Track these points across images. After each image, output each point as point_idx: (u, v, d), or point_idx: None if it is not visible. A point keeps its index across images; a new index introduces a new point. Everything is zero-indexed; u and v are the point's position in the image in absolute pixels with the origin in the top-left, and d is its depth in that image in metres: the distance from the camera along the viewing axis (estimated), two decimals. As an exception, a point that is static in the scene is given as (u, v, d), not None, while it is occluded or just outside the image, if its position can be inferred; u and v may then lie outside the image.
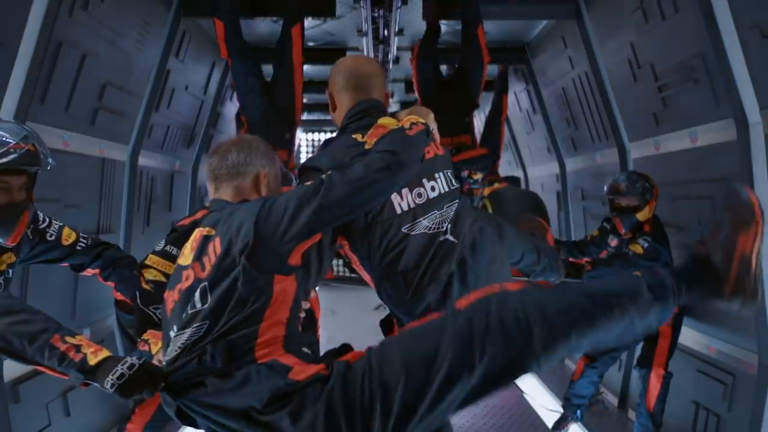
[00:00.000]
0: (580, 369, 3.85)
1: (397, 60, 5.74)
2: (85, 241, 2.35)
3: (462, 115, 4.55)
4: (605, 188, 3.76)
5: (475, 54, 4.41)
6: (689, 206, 3.59)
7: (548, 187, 6.21)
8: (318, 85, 6.28)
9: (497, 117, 5.80)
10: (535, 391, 4.68)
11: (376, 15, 4.64)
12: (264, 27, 4.96)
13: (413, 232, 1.83)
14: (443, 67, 5.02)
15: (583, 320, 1.38)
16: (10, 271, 2.11)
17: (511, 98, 6.31)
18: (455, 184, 1.98)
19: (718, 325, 3.39)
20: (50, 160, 2.00)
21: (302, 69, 4.16)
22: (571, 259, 3.34)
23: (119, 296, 2.44)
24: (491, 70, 5.56)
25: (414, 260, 1.82)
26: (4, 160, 1.87)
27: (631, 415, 4.20)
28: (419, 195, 1.87)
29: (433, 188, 1.89)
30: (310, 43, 5.49)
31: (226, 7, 4.02)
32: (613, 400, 4.53)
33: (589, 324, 1.38)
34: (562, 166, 5.75)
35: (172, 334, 1.56)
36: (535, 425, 4.10)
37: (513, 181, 6.34)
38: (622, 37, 3.95)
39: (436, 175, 1.92)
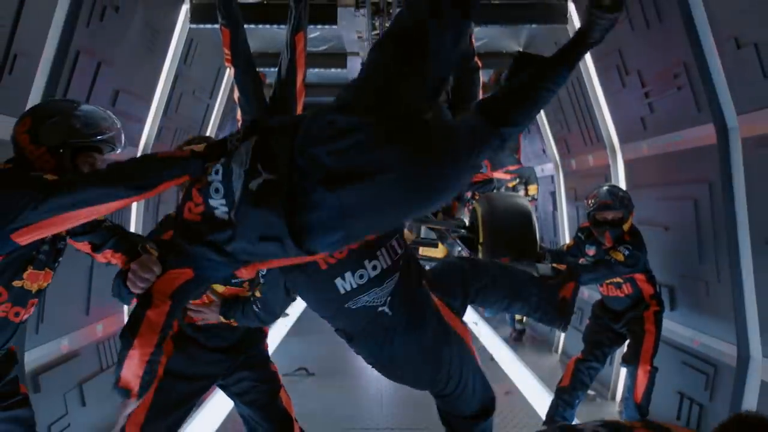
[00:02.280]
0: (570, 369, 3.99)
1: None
2: (111, 222, 2.45)
3: None
4: (589, 203, 3.82)
5: (467, 59, 4.61)
6: (674, 206, 3.77)
7: (544, 187, 6.38)
8: (317, 88, 6.48)
9: None
10: (531, 389, 4.87)
11: (375, 22, 4.81)
12: (267, 33, 5.13)
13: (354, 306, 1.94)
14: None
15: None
16: (63, 243, 2.29)
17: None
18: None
19: (701, 318, 3.56)
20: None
21: (304, 75, 4.31)
22: (554, 265, 3.49)
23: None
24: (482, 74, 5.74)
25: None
26: (110, 134, 2.09)
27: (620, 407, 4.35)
28: (360, 276, 1.94)
29: (374, 267, 1.95)
30: (320, 48, 5.66)
31: (232, 15, 4.18)
32: (604, 393, 4.70)
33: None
34: (557, 167, 5.92)
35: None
36: (529, 416, 4.27)
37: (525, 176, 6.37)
38: (611, 43, 4.11)
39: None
